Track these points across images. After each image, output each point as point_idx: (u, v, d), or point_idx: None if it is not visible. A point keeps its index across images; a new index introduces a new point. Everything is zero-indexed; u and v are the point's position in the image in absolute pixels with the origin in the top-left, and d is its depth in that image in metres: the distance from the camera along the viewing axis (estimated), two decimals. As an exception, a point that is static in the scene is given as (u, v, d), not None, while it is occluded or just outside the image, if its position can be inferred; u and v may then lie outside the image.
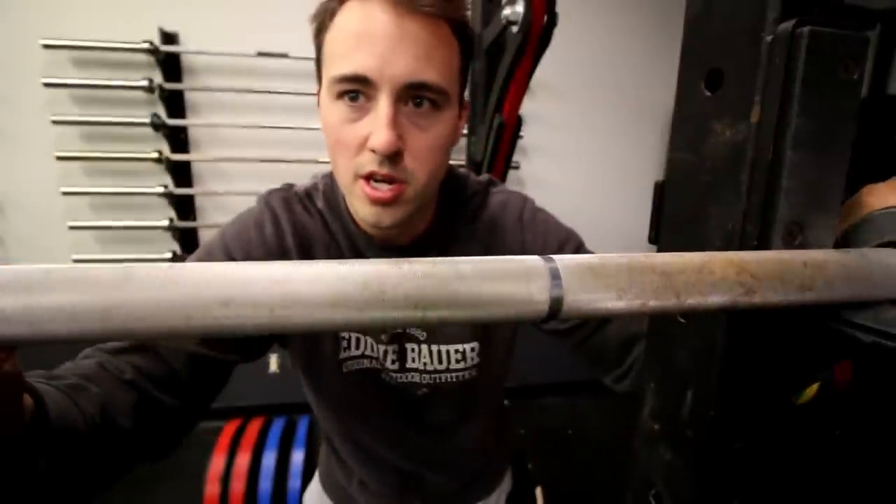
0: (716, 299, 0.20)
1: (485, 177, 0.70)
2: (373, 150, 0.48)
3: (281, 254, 0.58)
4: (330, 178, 0.62)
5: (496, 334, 0.67)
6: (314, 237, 0.60)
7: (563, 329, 0.63)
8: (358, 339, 0.63)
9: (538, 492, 1.00)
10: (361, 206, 0.51)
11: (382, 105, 0.47)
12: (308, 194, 0.62)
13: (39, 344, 0.16)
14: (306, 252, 0.60)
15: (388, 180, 0.49)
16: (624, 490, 0.34)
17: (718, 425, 0.27)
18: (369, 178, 0.49)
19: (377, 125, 0.47)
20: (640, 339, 0.57)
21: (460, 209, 0.64)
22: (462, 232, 0.64)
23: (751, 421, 0.28)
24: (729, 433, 0.28)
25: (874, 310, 0.22)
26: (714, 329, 0.26)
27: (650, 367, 0.31)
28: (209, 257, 0.57)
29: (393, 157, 0.48)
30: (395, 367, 0.64)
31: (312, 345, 0.63)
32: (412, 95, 0.48)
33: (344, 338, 0.62)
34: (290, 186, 0.63)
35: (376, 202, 0.50)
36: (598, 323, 0.61)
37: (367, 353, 0.63)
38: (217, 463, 1.05)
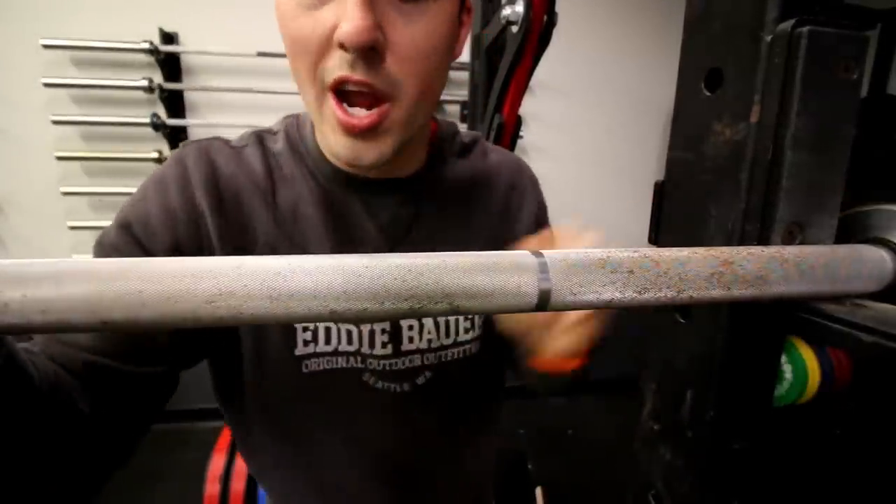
0: (701, 293, 0.20)
1: (475, 132, 0.60)
2: (341, 46, 0.35)
3: (190, 220, 0.44)
4: (295, 118, 0.52)
5: None
6: (243, 189, 0.46)
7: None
8: (328, 330, 0.47)
9: (538, 492, 1.00)
10: (333, 135, 0.39)
11: None
12: (260, 138, 0.49)
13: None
14: (228, 208, 0.45)
15: (366, 96, 0.37)
16: (624, 490, 0.34)
17: (718, 425, 0.27)
18: (340, 89, 0.37)
19: (346, 7, 0.34)
20: None
21: (456, 156, 0.55)
22: (464, 181, 0.54)
23: (750, 421, 0.28)
24: (728, 433, 0.28)
25: (853, 304, 0.22)
26: (714, 329, 0.26)
27: (650, 367, 0.31)
28: (109, 249, 0.42)
29: (369, 54, 0.36)
30: (387, 351, 0.49)
31: (259, 342, 0.47)
32: None
33: (307, 329, 0.47)
34: (221, 138, 0.50)
35: (350, 132, 0.38)
36: None
37: (343, 347, 0.48)
38: (217, 463, 1.04)
